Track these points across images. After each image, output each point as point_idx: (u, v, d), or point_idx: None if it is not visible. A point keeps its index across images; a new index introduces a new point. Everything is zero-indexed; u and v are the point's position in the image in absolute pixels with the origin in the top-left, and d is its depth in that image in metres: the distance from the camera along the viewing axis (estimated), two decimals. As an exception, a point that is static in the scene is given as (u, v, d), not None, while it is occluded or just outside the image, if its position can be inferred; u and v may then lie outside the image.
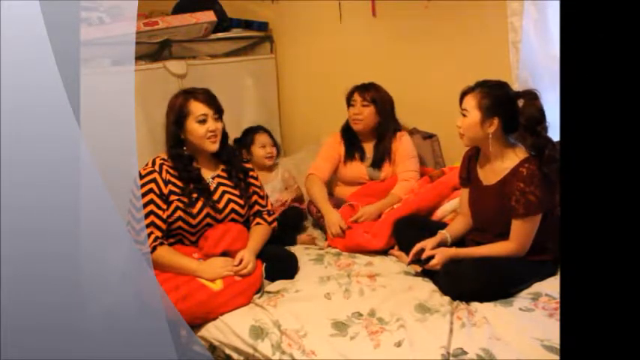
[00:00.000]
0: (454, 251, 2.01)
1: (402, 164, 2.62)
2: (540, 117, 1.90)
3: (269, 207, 2.33)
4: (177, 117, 2.11)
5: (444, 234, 2.10)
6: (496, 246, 1.96)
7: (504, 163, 1.96)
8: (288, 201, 2.70)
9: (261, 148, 2.81)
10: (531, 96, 1.92)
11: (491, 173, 2.01)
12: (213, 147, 2.14)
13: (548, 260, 1.96)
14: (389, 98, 2.67)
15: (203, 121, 2.11)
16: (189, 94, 2.15)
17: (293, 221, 2.64)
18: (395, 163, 2.65)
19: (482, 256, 1.95)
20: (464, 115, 1.97)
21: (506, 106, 1.92)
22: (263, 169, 2.80)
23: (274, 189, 2.75)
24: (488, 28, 2.56)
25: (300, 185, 2.85)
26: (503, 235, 1.95)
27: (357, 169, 2.68)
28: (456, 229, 2.14)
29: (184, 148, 2.14)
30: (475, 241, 2.08)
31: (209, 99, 2.14)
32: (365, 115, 2.62)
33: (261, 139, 2.83)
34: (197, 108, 2.11)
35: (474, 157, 2.11)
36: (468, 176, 2.13)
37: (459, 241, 2.12)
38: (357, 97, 2.64)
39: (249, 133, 2.87)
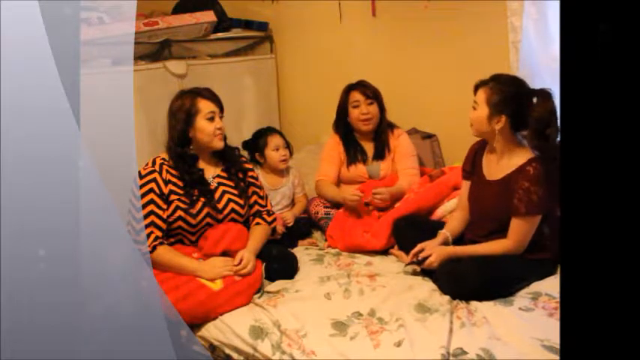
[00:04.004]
0: (452, 250, 2.01)
1: (402, 162, 2.62)
2: (549, 119, 1.84)
3: (269, 207, 2.33)
4: (187, 115, 2.11)
5: (445, 234, 2.10)
6: (494, 244, 1.96)
7: (511, 160, 1.95)
8: (290, 222, 2.55)
9: (274, 151, 2.66)
10: (544, 96, 1.88)
11: (496, 169, 2.00)
12: (220, 144, 2.16)
13: (548, 259, 1.96)
14: (380, 93, 2.67)
15: (211, 119, 2.13)
16: (195, 92, 2.16)
17: (302, 231, 2.60)
18: (394, 162, 2.64)
19: (480, 255, 1.95)
20: (474, 108, 1.97)
21: (515, 104, 1.90)
22: (275, 172, 2.71)
23: (284, 195, 2.69)
24: (488, 28, 2.56)
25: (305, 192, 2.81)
26: (500, 231, 1.95)
27: (358, 168, 2.68)
28: (455, 226, 2.14)
29: (190, 147, 2.15)
30: (473, 238, 2.07)
31: (214, 97, 2.18)
32: (373, 113, 2.61)
33: (274, 141, 2.68)
34: (206, 105, 2.13)
35: (480, 150, 2.10)
36: (472, 169, 2.12)
37: (457, 239, 2.12)
38: (359, 96, 2.61)
39: (262, 136, 2.71)
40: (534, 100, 1.90)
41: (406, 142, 2.66)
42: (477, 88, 1.98)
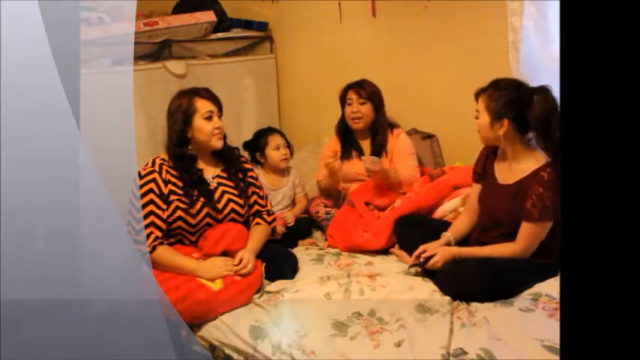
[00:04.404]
0: (457, 250, 2.00)
1: (401, 161, 2.63)
2: (550, 116, 1.83)
3: (269, 207, 2.33)
4: (184, 115, 2.11)
5: (447, 236, 2.08)
6: (500, 247, 1.95)
7: (523, 164, 1.94)
8: (291, 222, 2.59)
9: (275, 151, 2.68)
10: (544, 93, 1.87)
11: (508, 173, 1.99)
12: (219, 143, 2.16)
13: (552, 263, 1.94)
14: (381, 93, 2.68)
15: (209, 118, 2.12)
16: (192, 92, 2.16)
17: (302, 231, 2.62)
18: (394, 161, 2.65)
19: (484, 257, 1.94)
20: (477, 117, 1.98)
21: (515, 106, 1.89)
22: (276, 172, 2.72)
23: (284, 196, 2.70)
24: (488, 28, 2.55)
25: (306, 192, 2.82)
26: (509, 235, 1.94)
27: (355, 166, 2.69)
28: (460, 229, 2.13)
29: (189, 147, 2.15)
30: (480, 240, 2.07)
31: (212, 96, 2.17)
32: (363, 112, 2.63)
33: (275, 140, 2.70)
34: (203, 105, 2.13)
35: (492, 153, 2.09)
36: (483, 172, 2.11)
37: (463, 240, 2.11)
38: (352, 95, 2.64)
39: (262, 135, 2.73)
40: (535, 98, 1.88)
41: (405, 141, 2.67)
42: (477, 96, 1.99)
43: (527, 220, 1.89)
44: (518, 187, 1.93)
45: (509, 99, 1.91)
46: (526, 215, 1.88)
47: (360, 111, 2.63)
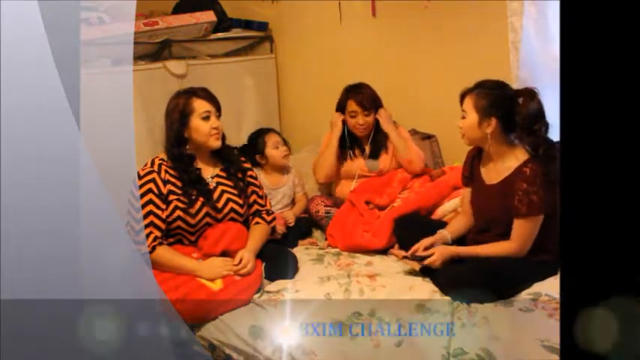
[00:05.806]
0: (454, 249, 2.01)
1: None
2: (537, 115, 1.90)
3: (268, 206, 2.33)
4: (181, 115, 2.11)
5: (443, 233, 2.10)
6: (497, 245, 1.96)
7: (507, 162, 1.97)
8: (291, 222, 2.59)
9: (275, 149, 2.68)
10: (529, 94, 1.92)
11: (494, 173, 2.01)
12: (217, 143, 2.15)
13: (550, 260, 1.95)
14: (378, 96, 2.68)
15: (207, 118, 2.12)
16: (190, 92, 2.16)
17: (302, 230, 2.61)
18: (394, 156, 2.66)
19: (482, 256, 1.95)
20: (463, 117, 1.99)
21: (503, 105, 1.93)
22: (277, 171, 2.72)
23: (284, 195, 2.70)
24: (488, 28, 2.55)
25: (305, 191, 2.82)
26: (505, 235, 1.95)
27: (356, 162, 2.69)
28: (457, 228, 2.14)
29: (187, 147, 2.15)
30: (476, 241, 2.07)
31: (210, 96, 2.17)
32: (369, 122, 2.64)
33: (272, 139, 2.69)
34: (200, 105, 2.13)
35: (477, 156, 2.11)
36: (471, 175, 2.13)
37: (460, 241, 2.12)
38: (355, 107, 2.62)
39: (259, 136, 2.72)
40: (520, 100, 1.93)
41: (402, 131, 2.69)
42: (462, 97, 2.01)
43: (517, 216, 1.91)
44: (504, 186, 1.95)
45: (498, 98, 1.94)
46: (515, 212, 1.91)
47: (367, 122, 2.64)
